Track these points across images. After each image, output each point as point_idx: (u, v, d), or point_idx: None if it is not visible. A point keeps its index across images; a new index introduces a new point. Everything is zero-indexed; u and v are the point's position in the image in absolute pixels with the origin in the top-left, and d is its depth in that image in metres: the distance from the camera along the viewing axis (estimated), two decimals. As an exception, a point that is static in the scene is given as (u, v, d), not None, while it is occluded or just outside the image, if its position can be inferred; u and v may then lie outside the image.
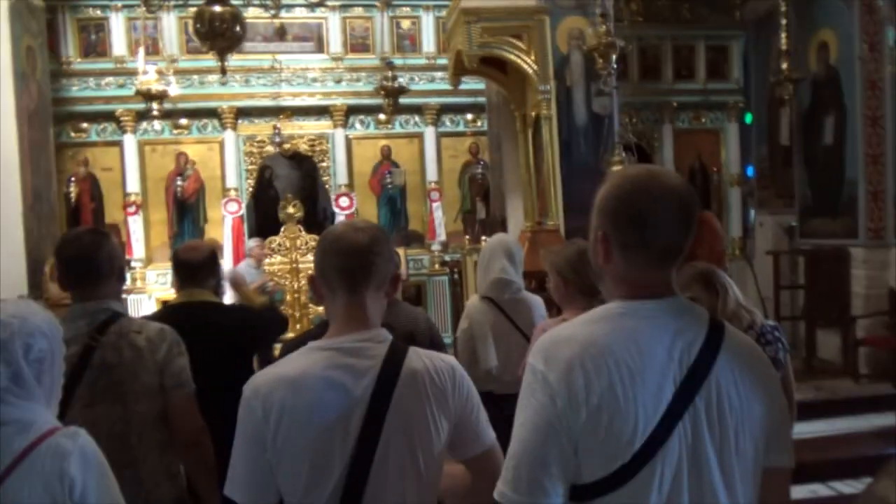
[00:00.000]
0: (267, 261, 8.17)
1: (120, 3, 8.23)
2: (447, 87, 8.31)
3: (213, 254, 2.91)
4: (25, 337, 1.52)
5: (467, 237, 8.20)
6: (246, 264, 7.36)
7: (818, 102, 6.97)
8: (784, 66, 6.85)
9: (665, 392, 1.14)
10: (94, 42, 8.40)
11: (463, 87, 7.75)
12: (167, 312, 2.79)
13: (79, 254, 2.16)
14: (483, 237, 7.19)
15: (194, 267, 2.81)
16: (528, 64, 6.40)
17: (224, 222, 8.46)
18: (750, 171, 9.02)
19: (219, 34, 4.18)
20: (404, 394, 1.42)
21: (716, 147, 9.09)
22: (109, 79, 8.33)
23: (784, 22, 7.00)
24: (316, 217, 10.72)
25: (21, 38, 6.88)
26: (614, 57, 6.02)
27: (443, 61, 8.60)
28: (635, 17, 8.33)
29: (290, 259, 8.16)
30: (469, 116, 9.17)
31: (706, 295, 2.39)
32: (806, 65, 7.04)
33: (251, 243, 7.65)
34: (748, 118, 8.98)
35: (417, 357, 1.49)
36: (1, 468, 1.41)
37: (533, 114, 6.82)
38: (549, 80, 6.41)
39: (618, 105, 6.77)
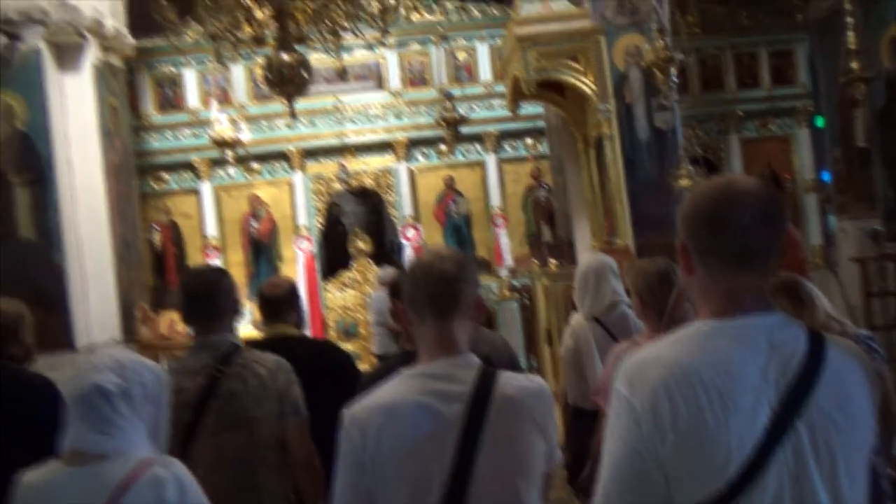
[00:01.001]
0: (339, 294, 8.38)
1: (192, 59, 8.74)
2: (506, 113, 8.40)
3: (293, 289, 3.03)
4: (131, 376, 1.64)
5: (535, 261, 8.19)
6: (380, 294, 7.21)
7: (894, 99, 6.68)
8: (854, 65, 6.61)
9: (760, 416, 1.08)
10: (170, 97, 8.92)
11: (521, 112, 7.81)
12: (254, 347, 2.92)
13: (201, 289, 2.30)
14: (551, 260, 7.15)
15: (276, 302, 2.91)
16: (586, 84, 6.41)
17: (297, 260, 8.74)
18: (826, 176, 8.67)
19: (287, 80, 4.38)
20: (497, 416, 1.45)
21: (786, 154, 8.81)
22: (185, 130, 8.81)
23: (850, 20, 6.77)
24: (384, 250, 10.93)
25: (105, 98, 7.39)
26: (673, 71, 5.96)
27: (500, 88, 8.71)
28: (692, 29, 8.22)
29: (362, 292, 8.35)
30: (529, 141, 9.21)
31: (792, 307, 2.24)
32: (877, 62, 6.77)
33: (383, 272, 7.61)
34: (819, 122, 8.66)
35: (507, 380, 1.52)
36: (104, 499, 1.51)
37: (594, 133, 6.81)
38: (608, 98, 6.40)
39: (680, 118, 6.68)
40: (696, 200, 1.21)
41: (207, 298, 2.27)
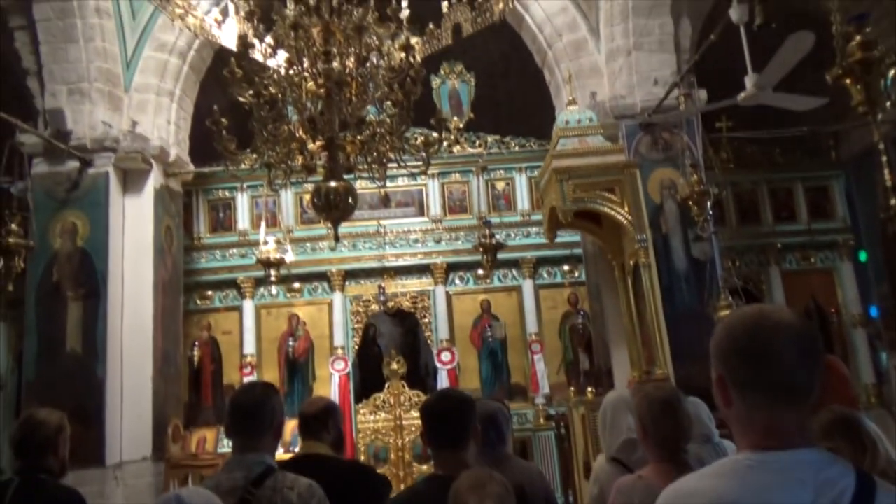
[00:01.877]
0: (372, 417, 8.24)
1: (245, 185, 9.26)
2: (543, 240, 8.57)
3: (330, 408, 2.99)
4: None
5: (572, 389, 7.99)
6: None
7: (938, 235, 6.62)
8: (893, 201, 6.63)
9: None
10: (222, 219, 9.37)
11: (558, 239, 7.95)
12: (285, 466, 2.87)
13: (249, 404, 2.31)
14: (589, 388, 6.99)
15: (308, 419, 2.90)
16: (622, 215, 6.55)
17: (331, 380, 8.71)
18: (874, 311, 8.46)
19: (334, 206, 4.56)
20: None
21: (830, 287, 8.68)
22: (233, 250, 9.17)
23: (884, 159, 6.88)
24: (418, 373, 10.82)
25: (162, 219, 7.81)
26: (709, 204, 6.08)
27: (537, 217, 8.94)
28: (726, 164, 8.44)
29: (395, 416, 8.19)
30: (566, 267, 9.29)
31: (849, 447, 2.01)
32: (917, 198, 6.78)
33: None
34: (862, 256, 8.59)
35: None
36: None
37: (631, 262, 6.86)
38: (644, 229, 6.51)
39: (718, 250, 6.72)
40: (732, 333, 1.19)
41: (253, 414, 2.28)
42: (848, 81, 3.82)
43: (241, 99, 4.65)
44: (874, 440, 2.09)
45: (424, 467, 7.79)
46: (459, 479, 1.70)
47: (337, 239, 5.18)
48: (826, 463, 1.12)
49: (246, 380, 8.57)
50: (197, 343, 8.86)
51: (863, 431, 2.10)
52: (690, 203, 6.20)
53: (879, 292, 8.35)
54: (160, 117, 7.86)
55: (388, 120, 4.98)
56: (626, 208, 6.55)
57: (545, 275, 9.33)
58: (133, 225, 7.44)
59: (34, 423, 2.65)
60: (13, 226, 6.02)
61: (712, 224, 6.34)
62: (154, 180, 7.70)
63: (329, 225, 5.70)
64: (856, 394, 5.45)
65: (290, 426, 6.57)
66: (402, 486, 7.32)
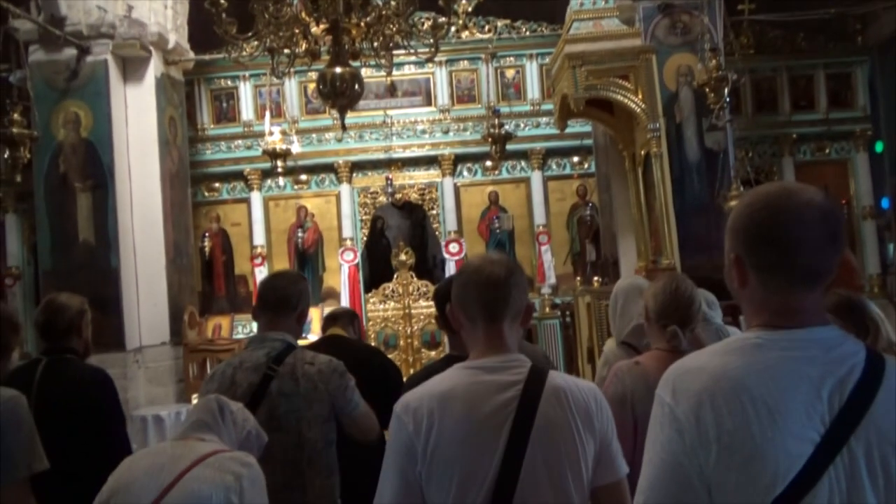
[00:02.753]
0: (381, 306, 8.44)
1: (248, 74, 9.00)
2: (552, 131, 8.40)
3: (354, 312, 3.56)
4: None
5: (578, 279, 8.11)
6: None
7: (960, 125, 6.45)
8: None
9: (810, 433, 1.04)
10: (225, 109, 9.19)
11: (568, 130, 7.79)
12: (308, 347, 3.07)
13: (279, 284, 2.44)
14: (595, 278, 7.08)
15: (337, 314, 3.38)
16: (635, 103, 6.37)
17: (341, 270, 8.85)
18: (885, 202, 8.39)
19: (340, 93, 4.46)
20: (549, 408, 1.45)
21: (843, 179, 8.56)
22: (238, 142, 9.06)
23: (914, 42, 6.58)
24: (426, 264, 10.99)
25: (165, 110, 7.67)
26: (726, 91, 5.88)
27: (547, 107, 8.71)
28: (746, 51, 8.11)
29: (404, 305, 8.40)
30: (575, 159, 9.17)
31: (852, 328, 2.02)
32: (942, 85, 6.56)
33: None
34: (879, 147, 8.41)
35: (559, 376, 1.54)
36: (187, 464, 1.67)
37: (642, 152, 6.75)
38: (657, 117, 6.35)
39: (732, 140, 6.58)
40: (753, 213, 1.14)
41: (281, 296, 2.37)
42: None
43: (239, -22, 4.43)
44: (877, 322, 2.13)
45: (433, 353, 8.07)
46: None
47: (344, 128, 5.10)
48: (838, 340, 1.12)
49: (257, 270, 8.72)
50: (207, 234, 8.95)
51: (866, 314, 2.14)
52: (707, 90, 6.00)
53: (893, 184, 8.25)
54: (156, 1, 7.52)
55: (393, 2, 4.76)
56: (640, 96, 6.35)
57: (554, 166, 9.23)
58: (136, 115, 7.31)
59: (57, 306, 2.73)
60: (15, 115, 5.93)
61: (728, 112, 6.16)
62: (154, 69, 7.48)
63: (335, 114, 5.58)
64: (861, 284, 5.51)
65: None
66: (412, 371, 7.62)
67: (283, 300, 2.36)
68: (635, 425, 2.03)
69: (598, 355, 5.38)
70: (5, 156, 6.08)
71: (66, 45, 6.92)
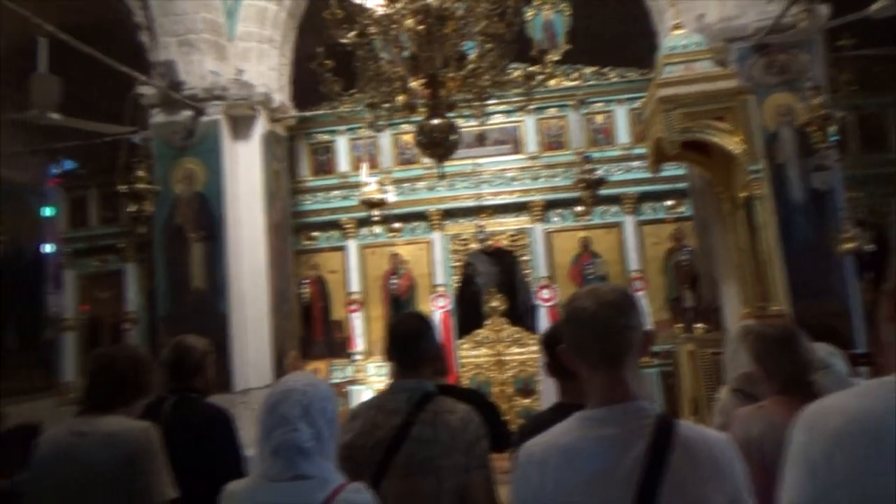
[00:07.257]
0: (473, 352, 8.45)
1: (344, 128, 9.45)
2: (645, 175, 8.30)
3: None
4: (321, 401, 1.78)
5: (680, 326, 7.85)
6: None
7: None
8: None
9: None
10: (323, 162, 9.65)
11: (662, 173, 7.68)
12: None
13: (408, 334, 2.46)
14: (697, 325, 6.84)
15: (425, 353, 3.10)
16: (733, 145, 6.22)
17: (433, 316, 8.95)
18: None
19: (437, 144, 4.61)
20: (678, 461, 1.40)
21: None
22: (335, 192, 9.46)
23: None
24: (516, 311, 10.93)
25: (270, 164, 8.15)
26: (833, 129, 5.66)
27: (638, 151, 8.64)
28: (850, 87, 7.79)
29: (496, 351, 8.38)
30: (669, 203, 8.99)
31: None
32: None
33: None
34: None
35: (689, 427, 1.48)
36: None
37: (742, 195, 6.55)
38: (758, 159, 6.17)
39: (840, 179, 6.29)
40: None
41: (413, 344, 2.41)
42: None
43: (342, 40, 4.71)
44: None
45: (527, 401, 7.97)
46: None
47: (442, 176, 5.27)
48: None
49: (353, 317, 8.96)
50: (306, 281, 9.32)
51: None
52: (810, 129, 5.80)
53: None
54: (263, 64, 8.09)
55: (488, 54, 4.92)
56: (738, 137, 6.20)
57: (647, 210, 9.07)
58: (244, 170, 7.81)
59: (185, 348, 2.93)
60: (140, 172, 6.48)
61: (835, 152, 5.91)
62: (261, 126, 8.01)
63: (427, 163, 5.77)
64: None
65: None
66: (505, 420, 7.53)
67: (416, 350, 2.40)
68: (764, 470, 1.95)
69: (706, 406, 5.17)
70: (130, 209, 6.63)
71: (184, 108, 7.54)
